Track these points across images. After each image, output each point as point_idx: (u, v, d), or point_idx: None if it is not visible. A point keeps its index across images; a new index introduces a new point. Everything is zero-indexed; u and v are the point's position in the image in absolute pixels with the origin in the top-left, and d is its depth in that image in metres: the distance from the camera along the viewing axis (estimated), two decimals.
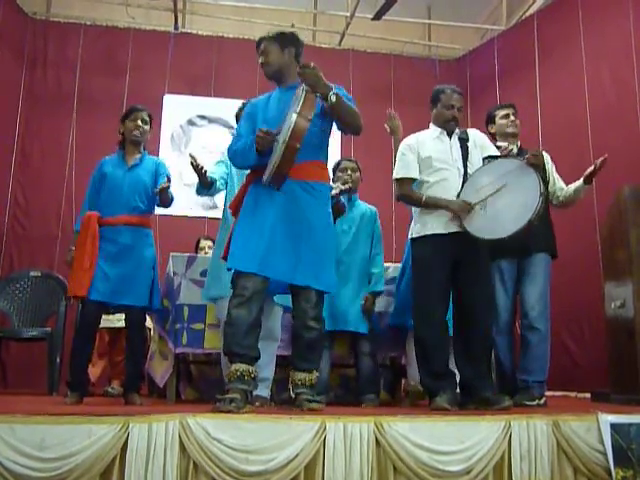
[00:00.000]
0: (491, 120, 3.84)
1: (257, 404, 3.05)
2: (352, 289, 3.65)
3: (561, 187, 3.74)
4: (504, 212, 3.05)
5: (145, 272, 3.39)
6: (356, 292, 3.66)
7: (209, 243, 5.03)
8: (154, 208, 3.57)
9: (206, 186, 3.38)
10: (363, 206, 3.88)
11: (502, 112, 3.80)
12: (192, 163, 3.19)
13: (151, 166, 3.55)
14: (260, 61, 2.98)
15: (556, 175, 3.79)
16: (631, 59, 5.10)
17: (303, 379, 2.80)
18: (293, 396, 2.81)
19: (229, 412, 2.46)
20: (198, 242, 5.16)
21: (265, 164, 2.74)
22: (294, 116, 2.54)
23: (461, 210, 3.13)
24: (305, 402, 2.71)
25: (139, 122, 3.52)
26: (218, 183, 3.43)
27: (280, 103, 2.90)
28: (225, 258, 2.86)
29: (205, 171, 3.24)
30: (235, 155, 2.94)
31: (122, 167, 3.49)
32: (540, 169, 3.12)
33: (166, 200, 3.40)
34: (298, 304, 2.82)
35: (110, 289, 3.28)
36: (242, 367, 2.65)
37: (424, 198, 3.23)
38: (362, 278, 3.72)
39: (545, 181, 3.60)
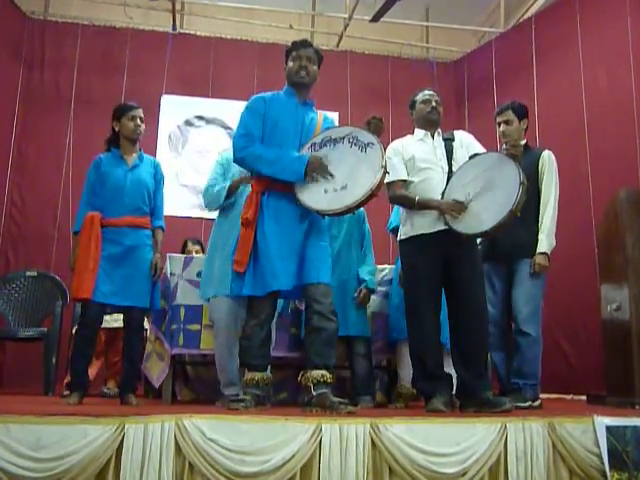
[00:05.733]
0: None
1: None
2: (350, 293, 3.65)
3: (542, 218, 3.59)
4: (486, 206, 3.03)
5: (147, 273, 3.39)
6: (352, 296, 3.66)
7: (197, 248, 4.85)
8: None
9: None
10: None
11: (497, 120, 3.82)
12: None
13: (150, 167, 3.54)
14: (303, 63, 3.05)
15: (551, 193, 3.60)
16: (628, 62, 5.12)
17: (323, 376, 2.77)
18: (314, 395, 2.76)
19: (237, 410, 2.63)
20: (185, 244, 4.94)
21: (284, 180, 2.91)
22: (381, 171, 2.81)
23: (453, 210, 3.10)
24: (340, 405, 2.66)
25: (138, 121, 3.49)
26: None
27: (294, 115, 3.04)
28: (241, 268, 2.89)
29: None
30: (257, 159, 2.92)
31: (122, 166, 3.44)
32: (519, 159, 3.10)
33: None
34: (316, 299, 2.85)
35: (113, 291, 3.26)
36: (258, 375, 2.90)
37: (417, 199, 3.23)
38: (358, 281, 3.72)
39: (537, 181, 3.59)
